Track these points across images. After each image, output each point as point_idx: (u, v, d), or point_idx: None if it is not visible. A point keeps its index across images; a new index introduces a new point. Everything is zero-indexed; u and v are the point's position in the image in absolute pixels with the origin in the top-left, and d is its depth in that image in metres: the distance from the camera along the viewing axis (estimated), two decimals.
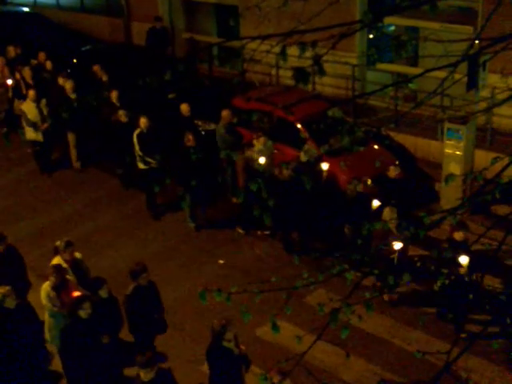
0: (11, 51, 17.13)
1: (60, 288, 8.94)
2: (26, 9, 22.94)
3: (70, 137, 14.85)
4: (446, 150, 12.39)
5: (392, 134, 13.76)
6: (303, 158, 12.10)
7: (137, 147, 12.77)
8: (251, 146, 12.40)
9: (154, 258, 11.95)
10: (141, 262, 9.06)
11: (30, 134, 14.57)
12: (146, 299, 8.83)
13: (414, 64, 15.40)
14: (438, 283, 10.26)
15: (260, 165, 11.88)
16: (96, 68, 15.61)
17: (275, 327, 4.05)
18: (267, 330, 9.76)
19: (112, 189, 14.46)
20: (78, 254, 9.63)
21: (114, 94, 14.20)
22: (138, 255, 12.05)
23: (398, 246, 9.40)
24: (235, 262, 11.85)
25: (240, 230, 12.66)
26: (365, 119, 12.23)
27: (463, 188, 11.89)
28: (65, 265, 9.27)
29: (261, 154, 12.04)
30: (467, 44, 5.02)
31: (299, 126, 13.10)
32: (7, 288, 8.44)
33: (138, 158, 12.94)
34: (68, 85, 14.62)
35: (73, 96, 14.50)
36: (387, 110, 14.62)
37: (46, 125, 14.46)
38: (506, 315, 5.71)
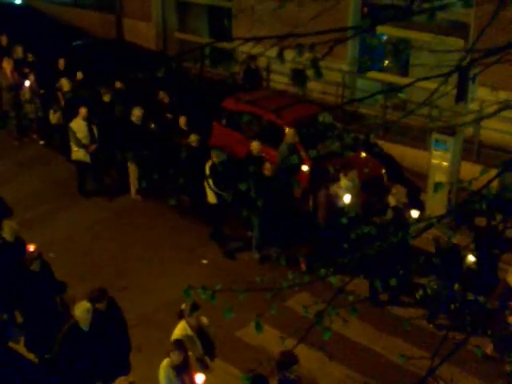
0: (18, 52, 16.22)
1: (182, 367, 7.70)
2: (18, 1, 22.85)
3: (131, 167, 13.58)
4: (433, 161, 12.46)
5: (380, 142, 13.84)
6: (392, 201, 10.71)
7: (210, 181, 11.71)
8: (337, 180, 11.15)
9: (137, 258, 11.95)
10: (291, 352, 6.76)
11: (77, 153, 13.42)
12: None
13: (405, 74, 15.52)
14: (421, 292, 10.36)
15: (345, 204, 10.78)
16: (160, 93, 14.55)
17: (258, 327, 4.06)
18: (247, 332, 9.77)
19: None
20: (204, 319, 8.36)
21: (182, 120, 13.47)
22: (120, 255, 12.04)
23: None
24: (219, 262, 11.84)
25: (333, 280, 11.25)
26: (354, 125, 12.23)
27: (448, 198, 11.99)
28: (190, 332, 8.16)
29: (347, 191, 10.87)
30: (458, 56, 5.08)
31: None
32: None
33: (209, 192, 11.87)
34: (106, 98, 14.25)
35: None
36: (376, 118, 14.72)
37: (93, 146, 13.40)
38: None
